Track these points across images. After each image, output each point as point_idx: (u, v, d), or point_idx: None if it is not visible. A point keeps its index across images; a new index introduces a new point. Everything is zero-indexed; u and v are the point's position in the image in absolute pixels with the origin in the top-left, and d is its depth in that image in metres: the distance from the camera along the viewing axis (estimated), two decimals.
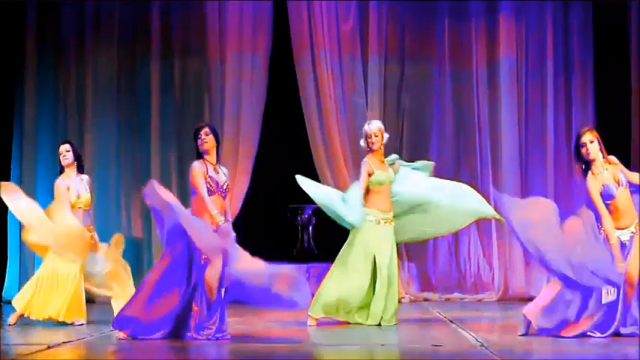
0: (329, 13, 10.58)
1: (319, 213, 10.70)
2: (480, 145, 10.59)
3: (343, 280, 7.34)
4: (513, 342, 6.20)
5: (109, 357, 5.76)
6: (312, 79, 10.53)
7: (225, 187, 6.45)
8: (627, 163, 6.71)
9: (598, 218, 6.34)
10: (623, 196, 6.36)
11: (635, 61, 10.06)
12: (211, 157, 6.46)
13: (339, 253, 7.48)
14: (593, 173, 6.41)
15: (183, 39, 10.72)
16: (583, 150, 6.42)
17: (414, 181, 7.60)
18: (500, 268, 10.41)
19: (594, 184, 6.37)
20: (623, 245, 6.31)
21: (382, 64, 10.63)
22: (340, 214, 7.28)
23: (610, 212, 6.34)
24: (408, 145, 10.56)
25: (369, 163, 7.40)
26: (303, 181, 7.43)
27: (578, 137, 6.47)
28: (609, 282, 6.18)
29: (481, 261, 10.52)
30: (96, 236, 7.81)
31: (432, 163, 7.84)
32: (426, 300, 10.26)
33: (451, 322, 7.62)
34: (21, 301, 7.54)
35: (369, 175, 7.37)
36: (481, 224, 10.51)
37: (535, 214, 6.39)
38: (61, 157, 7.74)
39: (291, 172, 7.61)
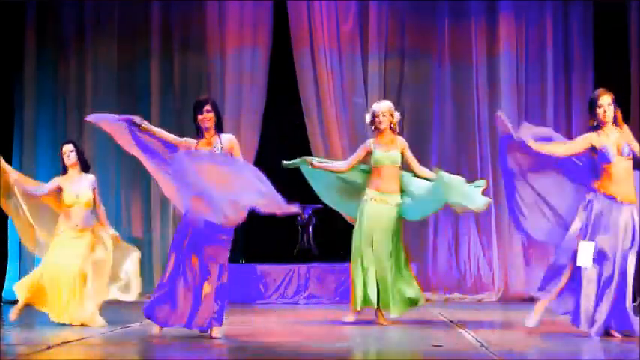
0: (329, 13, 10.59)
1: (319, 213, 10.73)
2: (479, 145, 10.60)
3: (355, 267, 7.37)
4: (513, 342, 6.20)
5: (109, 357, 5.76)
6: (312, 78, 10.54)
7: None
8: None
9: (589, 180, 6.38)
10: (620, 165, 6.27)
11: (635, 61, 10.06)
12: (209, 133, 6.42)
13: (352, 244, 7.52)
14: (598, 134, 6.36)
15: (183, 37, 10.74)
16: (599, 111, 6.33)
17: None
18: (501, 268, 10.42)
19: (594, 137, 6.32)
20: (613, 200, 6.25)
21: (382, 63, 10.64)
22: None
23: (602, 178, 6.30)
24: (408, 144, 10.54)
25: (369, 141, 7.47)
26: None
27: (596, 98, 6.36)
28: None
29: (481, 261, 10.52)
30: (111, 231, 7.77)
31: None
32: (426, 300, 10.24)
33: (451, 322, 7.62)
34: (22, 289, 7.54)
35: (368, 153, 7.40)
36: (481, 224, 10.52)
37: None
38: (65, 157, 7.69)
39: (291, 171, 7.62)
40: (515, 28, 10.67)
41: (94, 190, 7.73)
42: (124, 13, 10.74)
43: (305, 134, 10.53)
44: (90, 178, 7.75)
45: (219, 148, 6.37)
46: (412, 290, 7.41)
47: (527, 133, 6.47)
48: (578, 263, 6.21)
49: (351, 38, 10.63)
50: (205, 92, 10.62)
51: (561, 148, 6.44)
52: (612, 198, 6.26)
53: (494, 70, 10.63)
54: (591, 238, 6.23)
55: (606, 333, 6.24)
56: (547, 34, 10.64)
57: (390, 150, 7.44)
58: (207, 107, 6.41)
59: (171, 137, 6.46)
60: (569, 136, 10.49)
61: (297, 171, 7.57)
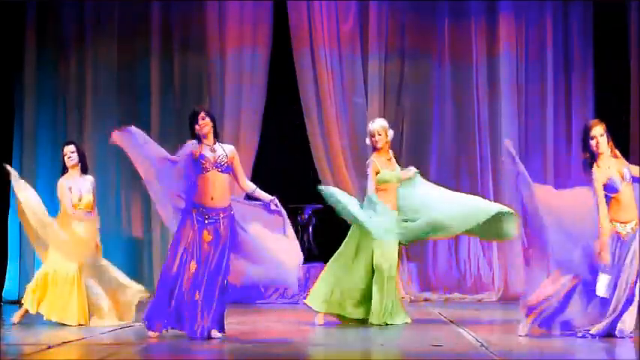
0: (329, 12, 10.58)
1: (319, 213, 10.73)
2: (479, 145, 10.60)
3: (342, 273, 7.37)
4: (513, 342, 6.20)
5: (109, 357, 5.75)
6: (312, 78, 10.53)
7: (221, 161, 6.44)
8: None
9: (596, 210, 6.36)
10: (626, 191, 6.35)
11: (635, 61, 10.06)
12: (208, 140, 6.48)
13: (340, 247, 7.51)
14: (598, 166, 6.40)
15: (183, 37, 10.74)
16: (593, 143, 6.39)
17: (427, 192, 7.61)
18: (501, 268, 10.41)
19: (599, 176, 6.36)
20: (618, 237, 6.31)
21: (382, 63, 10.63)
22: (360, 218, 7.30)
23: (611, 206, 6.34)
24: (408, 145, 10.57)
25: (374, 162, 7.42)
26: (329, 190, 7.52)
27: (588, 129, 6.43)
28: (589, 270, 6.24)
29: (481, 261, 10.52)
30: (97, 239, 7.80)
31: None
32: (426, 300, 10.26)
33: (451, 322, 7.62)
34: (25, 298, 7.58)
35: (376, 173, 7.39)
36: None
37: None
38: (66, 158, 7.71)
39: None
40: (515, 28, 10.67)
41: (93, 191, 7.76)
42: (124, 13, 10.73)
43: (305, 134, 10.53)
44: (90, 180, 7.77)
45: (224, 155, 6.42)
46: (399, 320, 7.43)
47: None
48: (598, 293, 6.23)
49: (351, 38, 10.63)
50: (205, 92, 10.63)
51: (603, 210, 6.36)
52: (623, 225, 6.32)
53: (494, 70, 10.63)
54: (611, 269, 6.26)
55: (608, 334, 6.25)
56: (547, 34, 10.63)
57: (395, 168, 7.48)
58: (202, 114, 6.51)
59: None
60: (569, 135, 10.53)
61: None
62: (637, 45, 10.06)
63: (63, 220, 7.58)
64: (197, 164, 6.38)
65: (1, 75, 10.53)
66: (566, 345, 6.00)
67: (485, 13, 10.71)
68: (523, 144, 10.58)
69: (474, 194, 10.44)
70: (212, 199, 6.33)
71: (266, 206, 6.56)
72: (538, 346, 6.05)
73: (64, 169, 7.74)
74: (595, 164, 6.40)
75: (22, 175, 10.24)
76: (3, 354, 5.51)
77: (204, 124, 6.46)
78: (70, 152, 7.72)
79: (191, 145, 6.45)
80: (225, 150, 6.48)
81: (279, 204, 6.55)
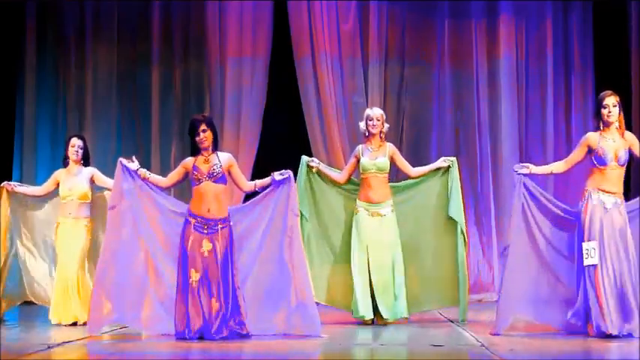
0: (329, 13, 10.59)
1: None
2: (479, 145, 10.59)
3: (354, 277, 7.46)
4: (513, 342, 6.20)
5: (109, 357, 5.75)
6: (313, 79, 10.53)
7: (213, 172, 6.45)
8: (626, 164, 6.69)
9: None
10: (614, 172, 6.34)
11: (635, 61, 10.06)
12: (207, 151, 6.52)
13: None
14: (602, 136, 6.40)
15: (183, 38, 10.74)
16: (605, 111, 6.38)
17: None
18: (501, 268, 10.39)
19: (592, 141, 6.38)
20: (603, 206, 6.31)
21: (382, 63, 10.64)
22: None
23: (595, 175, 6.38)
24: (408, 145, 10.56)
25: (359, 149, 7.55)
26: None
27: (602, 98, 6.42)
28: None
29: (481, 261, 10.51)
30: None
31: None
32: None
33: (451, 322, 7.62)
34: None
35: (358, 160, 7.52)
36: (483, 224, 10.50)
37: None
38: (72, 150, 7.75)
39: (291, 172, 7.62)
40: (516, 29, 10.67)
41: (91, 179, 7.76)
42: (125, 12, 10.74)
43: (305, 135, 10.53)
44: (86, 172, 7.77)
45: (219, 167, 6.46)
46: (399, 308, 7.46)
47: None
48: (585, 264, 6.21)
49: (351, 38, 10.63)
50: (206, 91, 10.63)
51: (562, 163, 6.57)
52: (604, 194, 6.31)
53: (495, 70, 10.63)
54: (591, 238, 6.25)
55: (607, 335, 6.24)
56: (547, 35, 10.64)
57: (378, 157, 7.48)
58: (203, 127, 6.51)
59: (173, 179, 6.69)
60: (569, 135, 10.54)
61: (297, 171, 7.56)
62: (637, 45, 10.06)
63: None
64: (191, 177, 6.45)
65: (1, 75, 10.54)
66: (567, 345, 6.00)
67: (486, 13, 10.71)
68: (523, 144, 10.58)
69: (474, 194, 10.52)
70: (209, 210, 6.40)
71: (274, 184, 6.63)
72: (538, 346, 6.05)
73: (66, 160, 7.78)
74: (600, 132, 6.40)
75: (22, 175, 10.34)
76: (3, 354, 5.51)
77: (205, 138, 6.49)
78: (78, 146, 7.76)
79: (183, 161, 6.59)
80: (220, 160, 6.51)
81: (281, 172, 6.66)
